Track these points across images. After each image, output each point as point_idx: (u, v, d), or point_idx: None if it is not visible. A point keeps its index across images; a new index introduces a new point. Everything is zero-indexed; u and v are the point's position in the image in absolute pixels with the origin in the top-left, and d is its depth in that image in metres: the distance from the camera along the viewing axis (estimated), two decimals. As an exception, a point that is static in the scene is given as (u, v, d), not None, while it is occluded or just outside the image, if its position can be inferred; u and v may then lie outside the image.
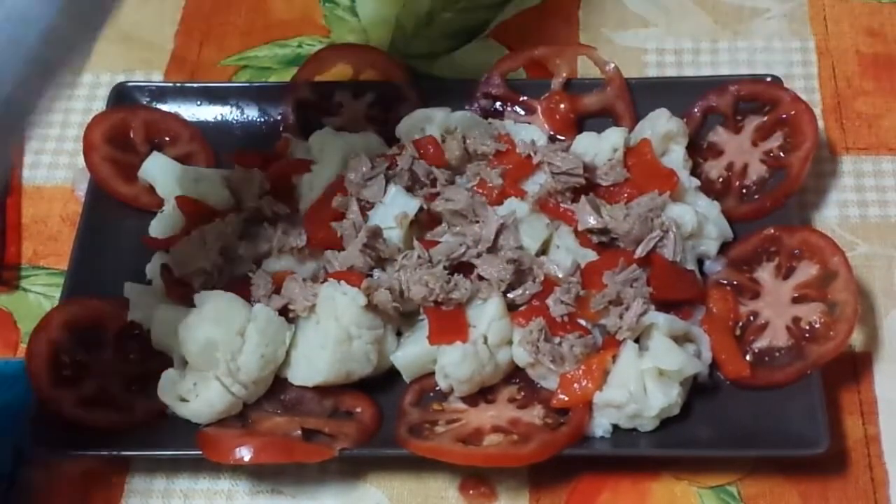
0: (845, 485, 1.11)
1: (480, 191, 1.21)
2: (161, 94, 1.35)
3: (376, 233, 1.16)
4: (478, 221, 1.18)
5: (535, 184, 1.21)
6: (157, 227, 1.24)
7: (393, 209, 1.18)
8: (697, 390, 1.12)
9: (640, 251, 1.16)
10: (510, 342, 1.13)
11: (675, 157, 1.23)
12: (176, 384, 1.13)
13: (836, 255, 1.14)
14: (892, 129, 1.33)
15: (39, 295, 1.26)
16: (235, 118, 1.35)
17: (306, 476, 1.13)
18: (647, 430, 1.10)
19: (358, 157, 1.22)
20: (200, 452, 1.09)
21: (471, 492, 1.12)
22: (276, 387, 1.14)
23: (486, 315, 1.13)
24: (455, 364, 1.10)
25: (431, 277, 1.13)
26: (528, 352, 1.11)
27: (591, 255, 1.17)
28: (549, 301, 1.13)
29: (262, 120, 1.34)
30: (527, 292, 1.14)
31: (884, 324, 1.20)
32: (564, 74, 1.32)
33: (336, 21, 1.47)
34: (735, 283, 1.17)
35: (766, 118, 1.26)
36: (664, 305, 1.14)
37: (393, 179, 1.21)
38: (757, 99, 1.27)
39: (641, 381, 1.09)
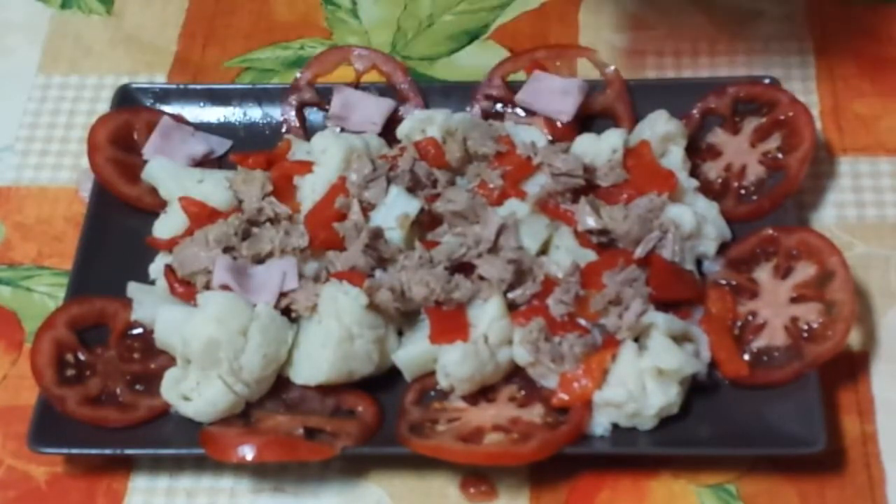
0: (843, 483, 1.12)
1: (481, 192, 1.22)
2: (164, 95, 1.36)
3: (378, 233, 1.17)
4: (478, 222, 1.19)
5: (536, 185, 1.21)
6: (161, 228, 1.25)
7: (394, 210, 1.19)
8: (696, 389, 1.13)
9: (639, 251, 1.17)
10: (510, 342, 1.13)
11: (674, 159, 1.24)
12: (179, 383, 1.14)
13: (834, 255, 1.14)
14: (889, 130, 1.33)
15: (44, 295, 1.27)
16: (238, 120, 1.35)
17: (308, 474, 1.14)
18: (646, 428, 1.11)
19: (359, 158, 1.23)
20: (203, 451, 1.10)
21: (471, 490, 1.13)
22: (279, 386, 1.15)
23: (487, 315, 1.13)
24: (456, 363, 1.11)
25: (432, 278, 1.14)
26: (528, 351, 1.12)
27: (590, 256, 1.18)
28: (549, 301, 1.14)
29: (265, 121, 1.35)
30: (527, 292, 1.15)
31: (881, 323, 1.20)
32: (564, 76, 1.32)
33: (338, 23, 1.48)
34: (733, 283, 1.18)
35: (764, 119, 1.27)
36: (663, 305, 1.14)
37: (394, 181, 1.21)
38: (755, 100, 1.28)
39: (641, 380, 1.10)
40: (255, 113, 1.35)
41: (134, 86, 1.36)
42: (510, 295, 1.15)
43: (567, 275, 1.15)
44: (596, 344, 1.13)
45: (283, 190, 1.24)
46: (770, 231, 1.18)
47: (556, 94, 1.29)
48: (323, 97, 1.34)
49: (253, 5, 1.50)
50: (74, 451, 1.14)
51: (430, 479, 1.13)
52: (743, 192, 1.25)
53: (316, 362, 1.13)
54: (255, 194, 1.23)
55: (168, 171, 1.27)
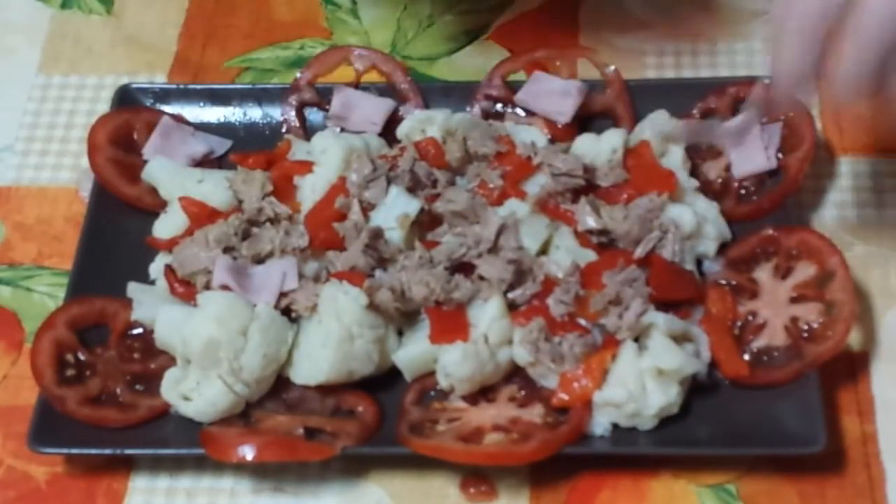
0: (843, 483, 1.12)
1: (481, 192, 1.22)
2: (164, 95, 1.36)
3: (378, 233, 1.17)
4: (478, 222, 1.19)
5: (536, 185, 1.21)
6: (161, 228, 1.25)
7: (394, 210, 1.19)
8: (696, 389, 1.13)
9: (639, 252, 1.17)
10: (510, 341, 1.13)
11: (674, 159, 1.24)
12: (179, 383, 1.14)
13: (834, 255, 1.14)
14: (889, 130, 1.33)
15: (44, 295, 1.27)
16: (238, 119, 1.35)
17: (308, 474, 1.14)
18: (646, 428, 1.11)
19: (359, 158, 1.23)
20: (203, 451, 1.10)
21: (471, 490, 1.13)
22: (279, 386, 1.15)
23: (487, 315, 1.13)
24: (456, 363, 1.11)
25: (432, 278, 1.14)
26: (528, 351, 1.12)
27: (590, 256, 1.18)
28: (549, 301, 1.14)
29: (265, 121, 1.35)
30: (527, 292, 1.15)
31: (881, 323, 1.20)
32: (564, 76, 1.32)
33: (338, 23, 1.48)
34: (734, 283, 1.18)
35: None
36: (663, 305, 1.14)
37: (394, 181, 1.21)
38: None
39: (641, 380, 1.10)
40: (255, 113, 1.35)
41: (134, 86, 1.36)
42: (510, 295, 1.15)
43: (567, 275, 1.15)
44: (596, 344, 1.13)
45: (283, 190, 1.24)
46: (770, 231, 1.18)
47: (556, 95, 1.30)
48: (323, 97, 1.34)
49: (253, 5, 1.50)
50: (74, 451, 1.14)
51: (430, 479, 1.13)
52: (743, 192, 1.25)
53: (316, 362, 1.13)
54: (255, 194, 1.23)
55: (168, 171, 1.27)
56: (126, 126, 1.32)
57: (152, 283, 1.22)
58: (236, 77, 1.43)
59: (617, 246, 1.18)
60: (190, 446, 1.12)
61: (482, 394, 1.14)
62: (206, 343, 1.12)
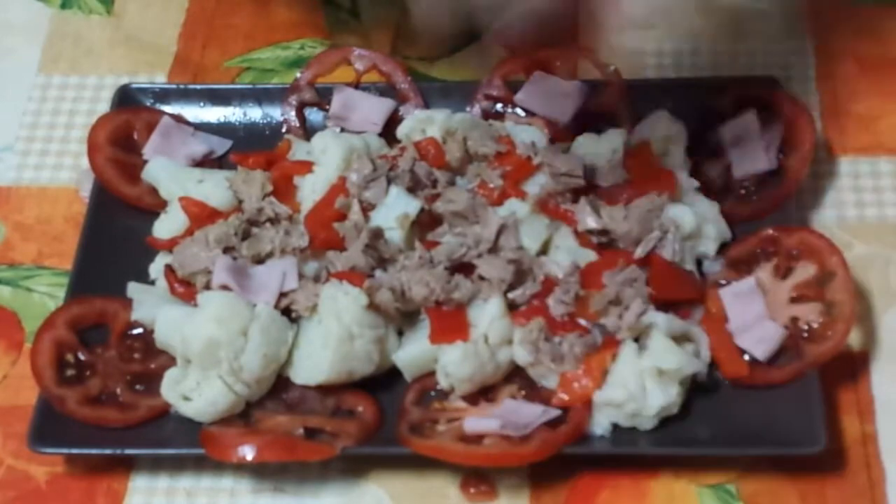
0: (843, 483, 1.12)
1: (481, 192, 1.22)
2: (164, 95, 1.36)
3: (378, 233, 1.17)
4: (478, 222, 1.19)
5: (536, 185, 1.21)
6: (161, 228, 1.25)
7: (394, 210, 1.19)
8: (696, 389, 1.13)
9: (639, 252, 1.17)
10: (510, 341, 1.13)
11: (674, 159, 1.24)
12: (179, 383, 1.14)
13: (834, 255, 1.14)
14: (889, 131, 1.33)
15: (44, 295, 1.27)
16: (238, 120, 1.36)
17: (308, 474, 1.14)
18: (646, 428, 1.11)
19: (359, 158, 1.23)
20: (203, 451, 1.10)
21: (471, 490, 1.13)
22: (279, 386, 1.15)
23: (487, 315, 1.13)
24: (456, 363, 1.11)
25: (432, 278, 1.14)
26: (528, 351, 1.12)
27: (590, 256, 1.18)
28: (549, 301, 1.14)
29: (265, 121, 1.35)
30: (527, 292, 1.15)
31: (881, 323, 1.20)
32: (564, 76, 1.32)
33: (338, 24, 1.48)
34: (734, 283, 1.18)
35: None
36: (663, 305, 1.14)
37: (394, 181, 1.21)
38: (755, 100, 1.28)
39: (641, 380, 1.10)
40: (255, 113, 1.36)
41: (134, 86, 1.36)
42: (510, 295, 1.15)
43: (567, 275, 1.15)
44: (596, 344, 1.13)
45: (283, 190, 1.24)
46: (770, 231, 1.18)
47: (556, 96, 1.30)
48: (323, 97, 1.34)
49: (253, 5, 1.50)
50: (74, 451, 1.14)
51: (431, 479, 1.13)
52: (743, 192, 1.25)
53: (316, 362, 1.13)
54: (255, 194, 1.23)
55: (168, 171, 1.27)
56: (126, 126, 1.32)
57: (152, 283, 1.22)
58: (236, 77, 1.43)
59: (617, 246, 1.18)
60: (190, 446, 1.12)
61: (482, 394, 1.14)
62: (206, 343, 1.12)
